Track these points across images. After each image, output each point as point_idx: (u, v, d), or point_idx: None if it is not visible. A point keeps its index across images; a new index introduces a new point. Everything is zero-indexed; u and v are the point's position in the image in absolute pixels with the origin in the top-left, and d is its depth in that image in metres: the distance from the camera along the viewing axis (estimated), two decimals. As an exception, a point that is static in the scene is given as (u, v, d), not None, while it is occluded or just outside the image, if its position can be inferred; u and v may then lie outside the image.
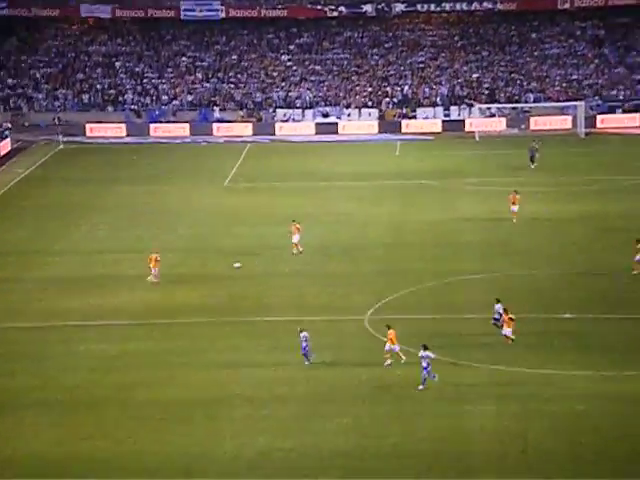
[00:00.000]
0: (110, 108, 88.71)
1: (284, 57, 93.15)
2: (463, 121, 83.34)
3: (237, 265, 48.12)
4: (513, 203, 55.34)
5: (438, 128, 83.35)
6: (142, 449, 32.05)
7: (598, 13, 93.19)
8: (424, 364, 35.17)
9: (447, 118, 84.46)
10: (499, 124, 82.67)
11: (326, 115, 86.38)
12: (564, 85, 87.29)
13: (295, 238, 51.58)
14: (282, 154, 78.31)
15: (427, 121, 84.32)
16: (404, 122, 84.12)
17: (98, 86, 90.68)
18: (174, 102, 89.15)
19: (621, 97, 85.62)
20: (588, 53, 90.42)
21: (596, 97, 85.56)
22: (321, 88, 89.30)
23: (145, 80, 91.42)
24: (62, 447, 32.40)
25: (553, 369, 36.56)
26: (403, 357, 37.10)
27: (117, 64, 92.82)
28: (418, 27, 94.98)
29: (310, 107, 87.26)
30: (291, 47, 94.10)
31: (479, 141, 79.25)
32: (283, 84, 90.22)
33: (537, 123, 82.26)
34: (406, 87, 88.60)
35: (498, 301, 40.18)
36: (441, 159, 74.23)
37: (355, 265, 50.15)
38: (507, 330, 38.49)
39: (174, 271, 50.16)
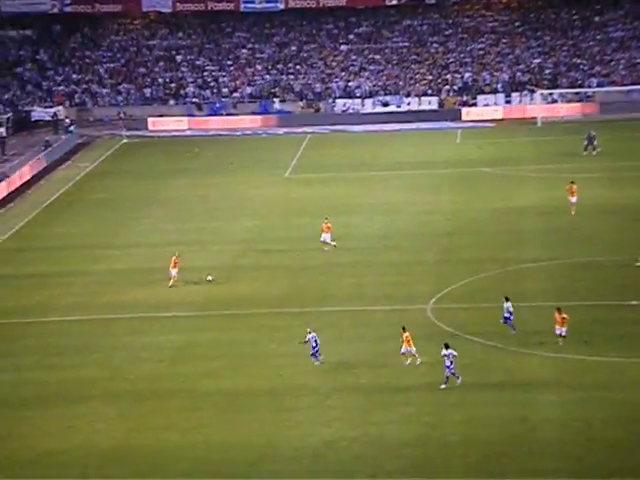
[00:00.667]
0: (172, 101, 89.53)
1: (343, 47, 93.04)
2: (525, 107, 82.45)
3: (210, 278, 46.67)
4: (571, 194, 53.88)
5: (499, 115, 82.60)
6: (208, 439, 32.38)
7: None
8: (447, 363, 34.59)
9: (508, 104, 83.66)
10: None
11: (386, 104, 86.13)
12: (629, 69, 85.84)
13: (324, 237, 49.94)
14: (342, 144, 78.27)
15: (488, 108, 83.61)
16: (464, 109, 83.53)
17: (160, 80, 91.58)
18: (234, 94, 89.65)
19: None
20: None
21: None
22: (380, 77, 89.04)
23: (206, 73, 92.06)
24: (129, 438, 32.88)
25: (618, 357, 36.06)
26: (418, 359, 36.41)
27: (178, 57, 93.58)
28: (478, 13, 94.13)
29: (370, 96, 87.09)
30: (350, 37, 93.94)
31: (541, 127, 78.37)
32: (342, 74, 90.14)
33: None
34: (466, 74, 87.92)
35: (507, 300, 38.73)
36: (502, 146, 73.56)
37: (416, 254, 49.99)
38: (561, 329, 37.14)
39: (236, 262, 50.52)
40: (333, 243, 50.41)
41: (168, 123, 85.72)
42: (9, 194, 65.56)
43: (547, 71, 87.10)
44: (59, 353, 40.10)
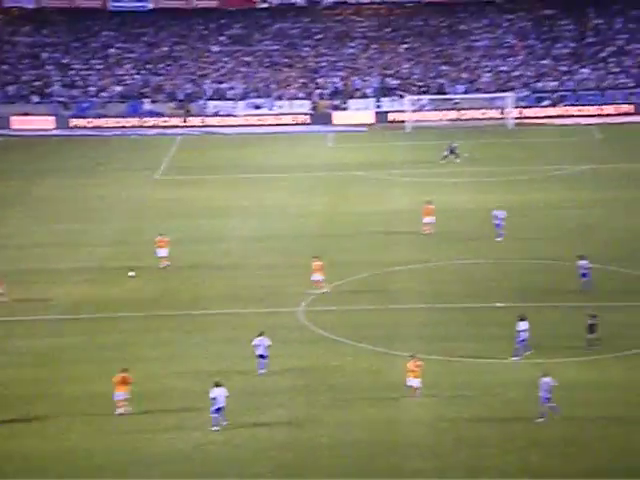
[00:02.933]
0: (36, 99, 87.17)
1: (215, 48, 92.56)
2: (394, 112, 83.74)
3: (131, 274, 46.20)
4: (426, 214, 51.83)
5: (369, 119, 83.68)
6: (74, 446, 31.57)
7: (525, 5, 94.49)
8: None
9: (378, 109, 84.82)
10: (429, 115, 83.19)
11: (258, 107, 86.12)
12: (493, 76, 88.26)
13: (160, 252, 48.32)
14: (213, 146, 77.85)
15: (358, 112, 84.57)
16: (335, 114, 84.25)
17: (24, 77, 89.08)
18: (103, 94, 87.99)
19: (548, 88, 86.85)
20: (516, 45, 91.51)
21: (524, 88, 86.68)
22: (252, 80, 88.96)
23: (72, 72, 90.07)
24: (-8, 445, 31.80)
25: (484, 358, 36.86)
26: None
27: (43, 55, 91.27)
28: (348, 18, 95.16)
29: (242, 99, 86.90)
30: (221, 38, 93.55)
31: (410, 132, 79.73)
32: (214, 76, 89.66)
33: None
34: (337, 79, 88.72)
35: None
36: (372, 150, 74.53)
37: (289, 257, 50.07)
38: (414, 380, 33.40)
39: (106, 264, 49.56)
40: (165, 263, 47.90)
41: (33, 122, 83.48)
42: None
43: (415, 77, 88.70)
44: None
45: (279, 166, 70.05)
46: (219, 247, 51.88)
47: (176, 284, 46.36)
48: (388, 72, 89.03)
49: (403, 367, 35.97)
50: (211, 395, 32.13)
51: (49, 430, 32.52)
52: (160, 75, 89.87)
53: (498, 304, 42.64)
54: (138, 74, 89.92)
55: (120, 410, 33.12)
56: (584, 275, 43.41)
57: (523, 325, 36.55)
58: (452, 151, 68.78)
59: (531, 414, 32.75)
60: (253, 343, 36.02)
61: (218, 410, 32.04)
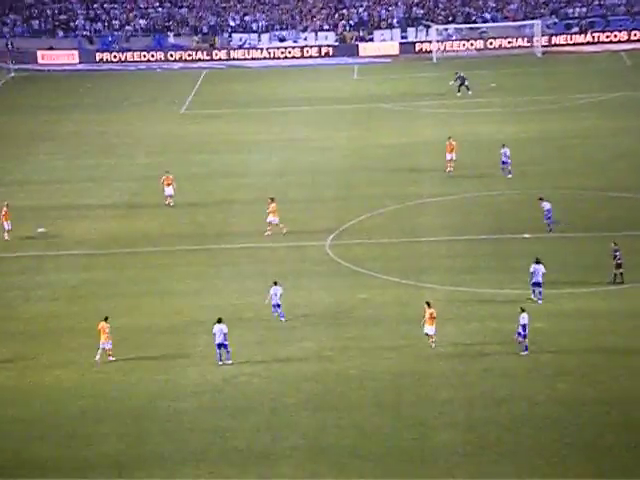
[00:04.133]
0: (61, 34, 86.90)
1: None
2: (420, 43, 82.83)
3: (41, 230, 44.75)
4: (450, 151, 50.54)
5: (395, 50, 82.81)
6: (106, 377, 32.17)
7: None
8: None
9: (404, 40, 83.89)
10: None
11: (282, 39, 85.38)
12: (520, 4, 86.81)
13: (167, 190, 47.49)
14: (238, 80, 77.47)
15: (384, 43, 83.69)
16: (361, 45, 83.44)
17: (48, 12, 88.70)
18: (127, 28, 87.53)
19: (576, 15, 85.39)
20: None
21: (552, 15, 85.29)
22: (276, 12, 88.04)
23: (96, 5, 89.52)
24: (25, 376, 32.42)
25: (512, 289, 36.97)
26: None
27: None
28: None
29: (266, 31, 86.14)
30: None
31: (437, 63, 78.89)
32: (238, 7, 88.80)
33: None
34: (361, 9, 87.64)
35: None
36: (399, 82, 73.87)
37: (315, 191, 50.09)
38: (429, 328, 32.94)
39: (134, 200, 49.84)
40: (170, 202, 47.50)
41: (58, 57, 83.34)
42: None
43: (441, 5, 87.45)
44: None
45: (304, 99, 69.66)
46: (245, 181, 51.96)
47: (204, 218, 46.58)
48: (413, 1, 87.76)
49: (431, 299, 36.16)
50: (213, 330, 32.31)
51: (80, 362, 33.07)
52: (184, 8, 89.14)
53: (526, 235, 42.59)
54: (161, 7, 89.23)
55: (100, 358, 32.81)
56: (548, 217, 42.12)
57: (537, 268, 35.58)
58: (462, 82, 67.38)
59: (560, 345, 32.95)
60: (270, 292, 35.56)
61: (219, 346, 32.19)
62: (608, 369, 31.31)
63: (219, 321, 32.47)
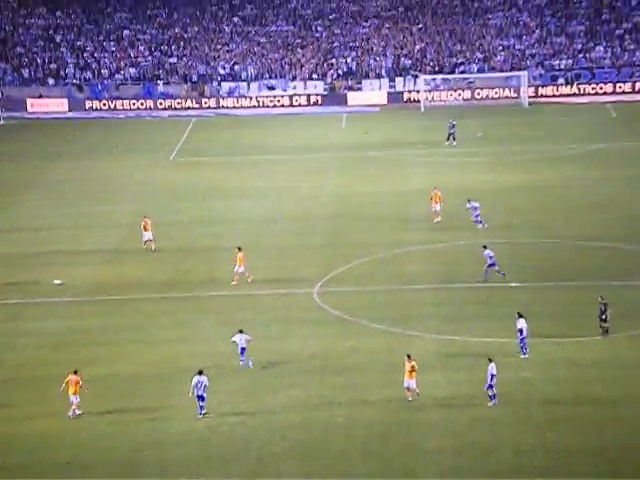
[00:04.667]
0: (51, 82, 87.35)
1: (228, 29, 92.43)
2: (408, 92, 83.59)
3: (57, 282, 44.03)
4: (435, 202, 50.54)
5: (383, 100, 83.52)
6: (92, 427, 31.88)
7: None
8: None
9: (392, 89, 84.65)
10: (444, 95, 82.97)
11: (272, 88, 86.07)
12: (507, 55, 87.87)
13: (145, 235, 47.93)
14: (227, 128, 77.92)
15: (372, 93, 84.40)
16: (349, 94, 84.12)
17: (38, 60, 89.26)
18: (116, 76, 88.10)
19: (563, 66, 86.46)
20: (530, 22, 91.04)
21: (539, 67, 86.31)
22: (266, 61, 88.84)
23: (86, 54, 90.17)
24: (10, 426, 32.11)
25: (500, 337, 36.96)
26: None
27: (57, 37, 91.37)
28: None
29: (256, 80, 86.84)
30: (235, 19, 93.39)
31: (424, 112, 79.54)
32: (227, 57, 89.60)
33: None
34: (350, 59, 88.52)
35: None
36: (387, 131, 74.43)
37: (303, 238, 50.18)
38: (409, 381, 32.26)
39: (122, 246, 49.82)
40: (151, 246, 47.84)
41: (48, 105, 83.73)
42: None
43: (429, 56, 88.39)
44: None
45: (292, 147, 70.06)
46: (233, 228, 52.05)
47: (190, 266, 46.57)
48: (402, 52, 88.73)
49: (419, 347, 36.16)
50: (193, 382, 31.85)
51: (66, 412, 32.77)
52: (173, 57, 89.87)
53: (513, 284, 42.67)
54: (151, 55, 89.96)
55: (73, 413, 32.27)
56: (492, 264, 42.11)
57: (521, 323, 35.32)
58: (451, 132, 67.44)
59: (547, 394, 32.87)
60: (232, 339, 35.58)
61: (199, 398, 31.81)
62: (596, 419, 31.21)
63: (200, 373, 32.11)
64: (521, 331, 35.28)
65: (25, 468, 29.62)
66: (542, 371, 34.49)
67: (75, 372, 32.59)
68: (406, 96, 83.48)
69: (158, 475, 28.92)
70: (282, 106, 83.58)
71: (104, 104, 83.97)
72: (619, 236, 47.91)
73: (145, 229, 48.21)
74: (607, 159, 63.60)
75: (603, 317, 36.67)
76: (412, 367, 32.23)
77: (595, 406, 31.97)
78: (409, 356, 32.50)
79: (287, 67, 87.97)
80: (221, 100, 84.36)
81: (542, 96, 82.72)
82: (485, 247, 43.03)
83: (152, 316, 40.85)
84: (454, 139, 67.67)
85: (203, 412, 32.03)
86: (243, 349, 35.51)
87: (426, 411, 32.04)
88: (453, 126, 67.82)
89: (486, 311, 40.02)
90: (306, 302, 41.63)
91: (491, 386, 32.06)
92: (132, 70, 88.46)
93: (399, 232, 50.37)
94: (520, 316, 35.52)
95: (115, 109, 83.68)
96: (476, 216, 49.84)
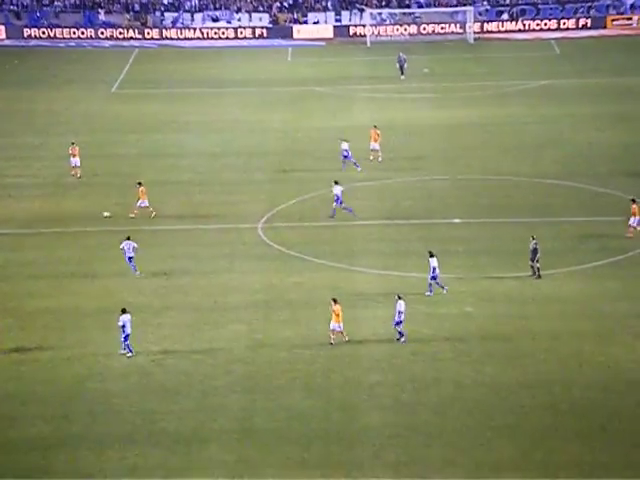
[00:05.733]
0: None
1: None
2: (354, 26, 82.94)
3: (106, 214, 43.80)
4: (374, 140, 50.00)
5: (329, 34, 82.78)
6: (35, 358, 31.71)
7: None
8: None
9: (338, 23, 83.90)
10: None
11: (216, 19, 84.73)
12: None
13: (73, 161, 48.04)
14: (171, 60, 76.71)
15: (318, 26, 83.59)
16: (295, 27, 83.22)
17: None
18: (56, 3, 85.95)
19: (507, 2, 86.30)
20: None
21: (484, 2, 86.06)
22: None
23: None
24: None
25: (443, 273, 37.34)
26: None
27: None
28: None
29: (199, 11, 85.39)
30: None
31: (370, 47, 79.08)
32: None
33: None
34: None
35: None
36: (332, 66, 73.91)
37: (248, 173, 49.92)
38: (335, 325, 32.18)
39: (62, 180, 49.13)
40: (77, 172, 48.12)
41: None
42: None
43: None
44: None
45: (238, 81, 69.32)
46: (178, 163, 51.57)
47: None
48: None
49: (362, 282, 36.41)
50: (119, 322, 31.68)
51: (8, 344, 32.56)
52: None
53: (456, 220, 43.02)
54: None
55: None
56: (337, 200, 42.38)
57: (433, 262, 35.61)
58: (401, 66, 67.94)
59: (487, 329, 33.38)
60: (121, 246, 37.15)
61: (127, 337, 31.73)
62: (533, 353, 31.82)
63: (124, 311, 31.78)
64: (434, 269, 35.51)
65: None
66: (482, 307, 35.01)
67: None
68: (352, 30, 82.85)
69: (101, 405, 28.93)
70: (227, 38, 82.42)
71: (43, 32, 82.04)
72: (562, 173, 48.42)
73: (73, 155, 47.74)
74: (551, 96, 63.96)
75: (534, 258, 37.01)
76: (335, 311, 31.94)
77: (533, 341, 32.57)
78: (335, 300, 32.25)
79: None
80: (164, 31, 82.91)
81: (487, 32, 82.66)
82: (337, 182, 42.89)
83: (93, 250, 40.52)
84: (403, 73, 67.59)
85: (131, 350, 31.78)
86: (130, 258, 36.90)
87: (367, 346, 32.39)
88: (404, 60, 67.79)
89: (428, 247, 40.30)
90: (250, 237, 41.58)
91: (398, 323, 32.25)
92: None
93: (342, 168, 50.26)
94: (431, 255, 35.66)
95: (55, 37, 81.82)
96: (344, 157, 48.42)
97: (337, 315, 32.11)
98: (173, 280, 37.43)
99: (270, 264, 38.93)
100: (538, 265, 37.00)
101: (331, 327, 32.31)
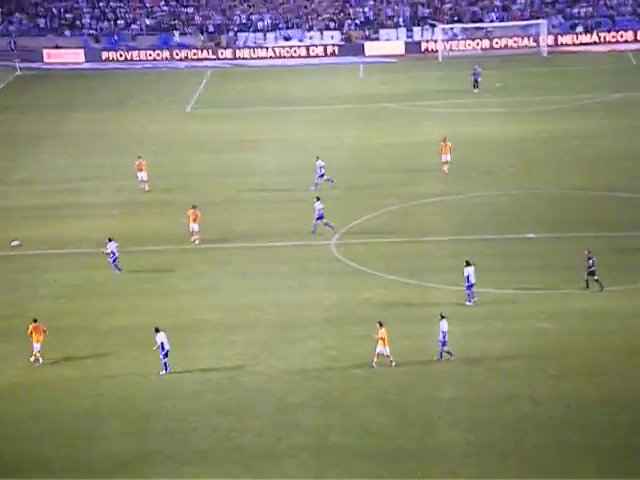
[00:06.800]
0: (67, 32, 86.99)
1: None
2: (426, 42, 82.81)
3: (15, 243, 43.45)
4: (445, 152, 50.29)
5: (401, 50, 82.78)
6: (110, 375, 32.18)
7: None
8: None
9: (410, 40, 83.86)
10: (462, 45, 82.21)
11: (288, 38, 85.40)
12: (526, 3, 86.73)
13: (141, 175, 49.61)
14: (244, 79, 77.48)
15: (390, 43, 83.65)
16: (367, 44, 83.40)
17: (54, 10, 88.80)
18: (133, 26, 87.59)
19: (582, 14, 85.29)
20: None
21: (558, 15, 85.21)
22: (282, 11, 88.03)
23: (102, 4, 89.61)
24: (30, 374, 32.45)
25: (516, 289, 36.94)
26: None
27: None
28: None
29: (272, 30, 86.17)
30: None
31: (442, 62, 78.85)
32: (244, 7, 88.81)
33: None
34: (367, 8, 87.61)
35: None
36: (404, 81, 73.86)
37: (320, 190, 50.04)
38: (382, 349, 31.75)
39: (138, 199, 49.87)
40: (145, 187, 49.57)
41: (64, 55, 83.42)
42: None
43: (448, 5, 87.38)
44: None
45: (309, 98, 69.67)
46: (249, 181, 51.97)
47: (207, 218, 46.56)
48: (419, 0, 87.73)
49: (435, 298, 36.19)
50: (157, 340, 31.89)
51: (85, 361, 33.11)
52: (190, 6, 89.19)
53: (529, 235, 42.55)
54: (167, 5, 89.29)
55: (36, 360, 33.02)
56: (320, 217, 42.64)
57: (468, 271, 35.46)
58: (475, 80, 67.86)
59: (563, 344, 32.89)
60: (108, 250, 39.07)
61: (167, 355, 31.86)
62: (612, 369, 31.24)
63: (157, 330, 32.04)
64: (467, 278, 35.24)
65: (44, 418, 29.95)
66: (558, 322, 34.52)
67: (35, 320, 33.06)
68: (424, 46, 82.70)
69: (177, 422, 29.19)
70: (299, 57, 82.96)
71: (120, 55, 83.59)
72: (635, 187, 47.57)
73: (140, 170, 48.90)
74: (627, 109, 62.94)
75: (590, 271, 36.31)
76: (382, 335, 31.52)
77: (612, 357, 31.97)
78: (381, 323, 31.82)
79: (303, 17, 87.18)
80: (237, 51, 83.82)
81: (561, 45, 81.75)
82: (318, 199, 43.11)
83: (169, 268, 41.00)
84: (476, 87, 67.40)
85: (166, 369, 31.97)
86: (115, 259, 39.75)
87: (442, 362, 32.15)
88: (479, 73, 67.62)
89: (502, 263, 39.94)
90: (323, 254, 41.66)
91: (444, 343, 31.89)
92: (148, 20, 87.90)
93: (416, 184, 50.15)
94: (468, 264, 35.43)
95: (131, 60, 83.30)
96: (320, 176, 48.73)
97: (383, 340, 31.62)
98: (247, 297, 37.65)
99: (343, 280, 38.94)
100: (596, 278, 36.21)
101: (378, 351, 31.74)
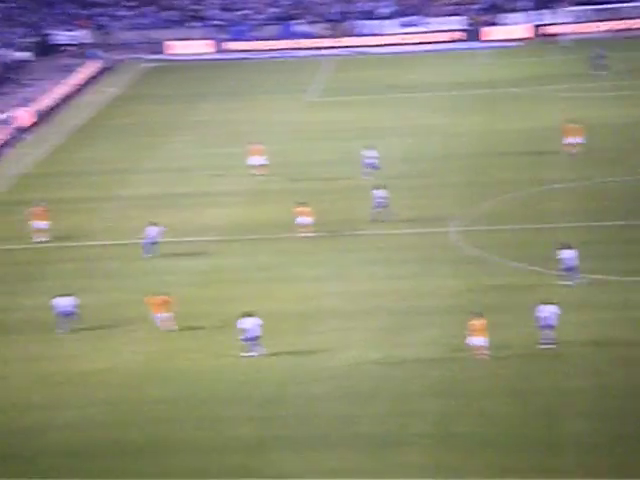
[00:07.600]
0: (193, 24, 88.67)
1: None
2: (551, 25, 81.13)
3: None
4: (572, 135, 49.69)
5: (526, 33, 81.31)
6: (237, 362, 32.79)
7: None
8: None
9: (535, 23, 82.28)
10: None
11: (410, 25, 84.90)
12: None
13: (254, 160, 50.01)
14: (365, 67, 77.48)
15: (515, 27, 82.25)
16: (491, 29, 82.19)
17: (180, 2, 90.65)
18: (256, 17, 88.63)
19: None
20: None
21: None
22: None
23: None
24: (164, 360, 33.35)
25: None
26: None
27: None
28: None
29: (393, 17, 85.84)
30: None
31: (568, 45, 77.13)
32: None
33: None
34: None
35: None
36: (530, 66, 72.58)
37: (441, 176, 49.78)
38: (478, 339, 31.21)
39: (262, 187, 50.55)
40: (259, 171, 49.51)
41: (190, 47, 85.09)
42: (36, 120, 65.53)
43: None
44: (91, 277, 40.54)
45: (432, 85, 69.18)
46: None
47: (329, 205, 46.87)
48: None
49: (560, 285, 35.60)
50: (242, 326, 32.15)
51: (214, 347, 33.83)
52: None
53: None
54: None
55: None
56: (379, 204, 42.05)
57: (564, 254, 34.79)
58: (599, 63, 65.98)
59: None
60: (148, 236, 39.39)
61: (253, 339, 32.13)
62: None
63: (249, 315, 32.37)
64: (562, 261, 34.66)
65: (175, 401, 30.79)
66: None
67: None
68: (549, 29, 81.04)
69: (301, 407, 29.55)
70: (421, 43, 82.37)
71: (245, 45, 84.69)
72: None
73: (252, 154, 49.38)
74: None
75: None
76: (482, 325, 30.95)
77: None
78: (479, 314, 31.23)
79: (425, 3, 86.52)
80: (359, 39, 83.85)
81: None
82: (379, 187, 42.27)
83: (292, 255, 41.48)
84: (602, 69, 65.78)
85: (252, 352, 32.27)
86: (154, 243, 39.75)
87: (569, 349, 31.62)
88: (604, 56, 65.92)
89: (632, 250, 38.95)
90: (444, 241, 41.45)
91: (548, 327, 31.05)
92: (272, 10, 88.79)
93: (541, 169, 49.34)
94: (564, 247, 34.86)
95: (255, 50, 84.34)
96: (367, 165, 48.79)
97: (482, 330, 31.04)
98: (368, 284, 37.80)
99: (465, 267, 38.67)
100: None
101: (472, 342, 31.15)
